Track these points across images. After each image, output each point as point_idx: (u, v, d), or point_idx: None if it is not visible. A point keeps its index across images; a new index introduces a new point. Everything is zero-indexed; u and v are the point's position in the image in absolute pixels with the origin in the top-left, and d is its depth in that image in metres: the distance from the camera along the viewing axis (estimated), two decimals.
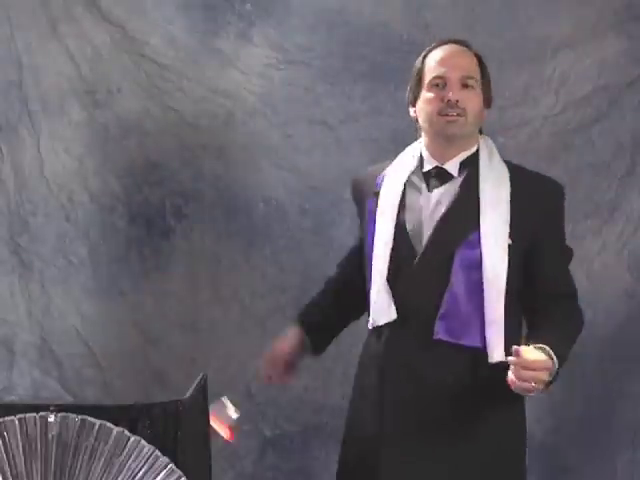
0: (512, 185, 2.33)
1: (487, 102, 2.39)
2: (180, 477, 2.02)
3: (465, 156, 2.36)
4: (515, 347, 2.13)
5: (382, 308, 2.34)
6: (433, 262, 2.30)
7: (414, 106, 2.40)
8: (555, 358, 2.18)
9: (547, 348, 2.17)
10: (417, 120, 2.40)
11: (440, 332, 2.27)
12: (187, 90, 3.41)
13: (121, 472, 2.00)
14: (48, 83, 3.39)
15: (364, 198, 2.46)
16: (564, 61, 3.36)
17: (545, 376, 2.15)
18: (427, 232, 2.31)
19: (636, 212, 3.38)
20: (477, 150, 2.38)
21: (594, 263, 3.37)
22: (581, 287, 3.38)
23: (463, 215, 2.31)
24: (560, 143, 3.38)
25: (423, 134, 2.41)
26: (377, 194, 2.40)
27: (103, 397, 3.37)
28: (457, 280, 2.27)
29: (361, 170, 2.59)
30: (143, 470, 2.01)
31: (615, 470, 3.40)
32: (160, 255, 3.42)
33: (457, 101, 2.30)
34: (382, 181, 2.43)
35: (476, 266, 2.27)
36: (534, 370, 2.13)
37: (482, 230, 2.28)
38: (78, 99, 3.40)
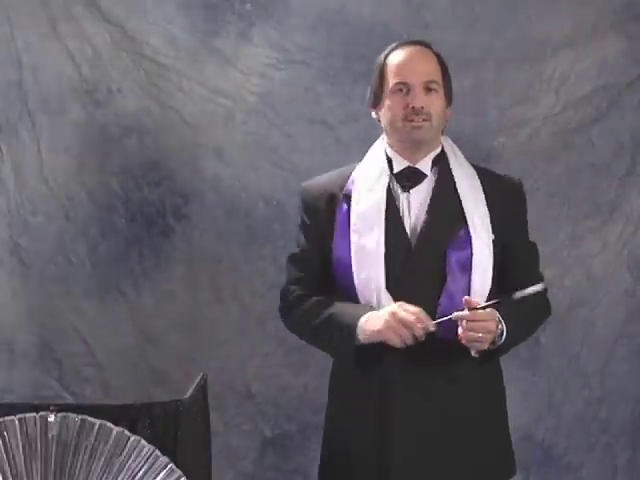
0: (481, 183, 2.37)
1: (449, 101, 2.39)
2: (180, 477, 2.02)
3: (434, 155, 2.37)
4: (466, 298, 2.20)
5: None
6: (425, 262, 2.29)
7: (375, 107, 2.38)
8: (501, 319, 2.23)
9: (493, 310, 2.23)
10: (379, 121, 2.39)
11: (440, 331, 2.25)
12: (187, 90, 3.41)
13: (121, 472, 2.00)
14: (48, 83, 3.39)
15: (333, 206, 2.36)
16: (564, 61, 3.36)
17: (493, 326, 2.20)
18: (414, 233, 2.31)
19: (636, 212, 3.38)
20: (442, 149, 2.39)
21: (594, 263, 3.37)
22: (581, 287, 3.41)
23: (448, 212, 2.31)
24: (560, 143, 3.38)
25: (387, 136, 2.39)
26: (349, 198, 2.35)
27: (103, 397, 3.36)
28: (453, 279, 2.27)
29: (314, 177, 2.46)
30: (143, 470, 2.01)
31: (615, 470, 3.40)
32: (160, 255, 3.42)
33: (422, 107, 2.29)
34: (352, 186, 2.36)
35: (470, 263, 2.28)
36: (484, 321, 2.19)
37: (471, 225, 2.29)
38: (78, 99, 3.39)
